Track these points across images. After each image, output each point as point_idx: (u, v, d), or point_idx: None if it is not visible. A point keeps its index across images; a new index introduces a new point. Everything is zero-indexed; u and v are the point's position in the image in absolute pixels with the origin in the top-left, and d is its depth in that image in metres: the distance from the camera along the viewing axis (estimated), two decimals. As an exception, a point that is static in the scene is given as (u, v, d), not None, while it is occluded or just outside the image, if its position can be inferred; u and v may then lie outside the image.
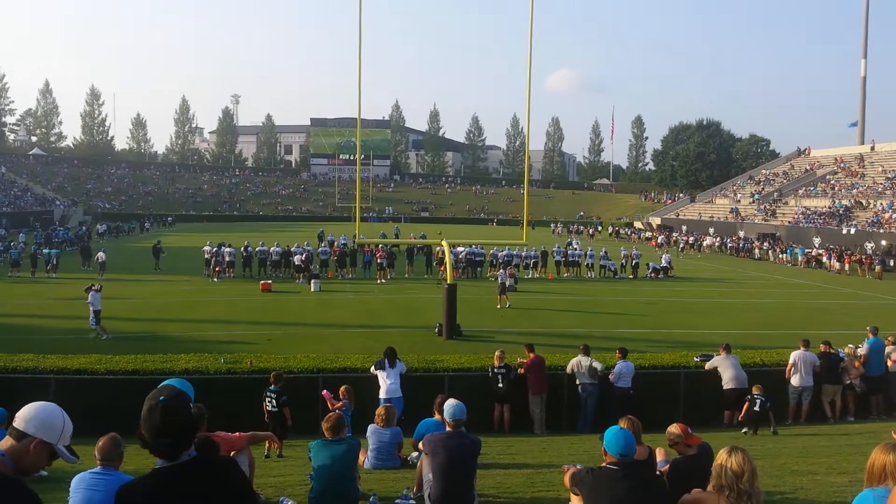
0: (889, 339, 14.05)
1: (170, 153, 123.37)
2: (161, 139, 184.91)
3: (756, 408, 11.64)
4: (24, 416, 2.73)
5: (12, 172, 79.34)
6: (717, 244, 57.26)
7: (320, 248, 36.04)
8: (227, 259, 32.19)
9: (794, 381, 13.02)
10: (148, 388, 2.91)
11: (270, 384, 10.49)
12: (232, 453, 6.20)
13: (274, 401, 10.25)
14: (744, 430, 11.84)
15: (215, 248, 32.55)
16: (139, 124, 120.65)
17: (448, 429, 5.99)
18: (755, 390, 11.89)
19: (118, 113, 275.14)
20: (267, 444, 9.09)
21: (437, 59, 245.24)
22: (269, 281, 29.18)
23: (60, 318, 21.67)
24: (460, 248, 34.43)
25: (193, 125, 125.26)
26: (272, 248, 33.46)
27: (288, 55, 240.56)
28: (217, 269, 31.47)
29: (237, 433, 6.32)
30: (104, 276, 30.36)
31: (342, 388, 10.34)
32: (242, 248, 33.24)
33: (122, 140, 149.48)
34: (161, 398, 2.76)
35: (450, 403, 6.02)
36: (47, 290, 27.74)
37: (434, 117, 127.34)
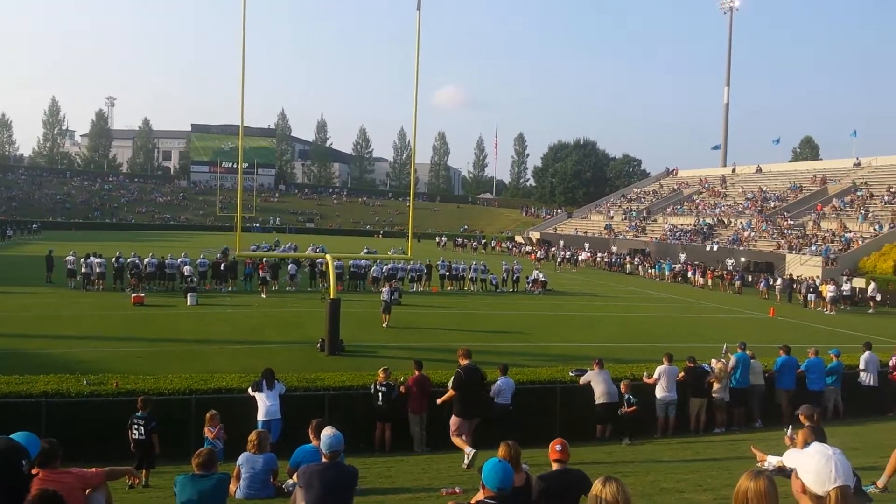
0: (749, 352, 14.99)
1: (37, 156, 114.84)
2: (28, 141, 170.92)
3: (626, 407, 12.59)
4: None
5: None
6: (591, 259, 59.57)
7: (199, 260, 34.43)
8: (97, 270, 30.27)
9: (659, 394, 13.67)
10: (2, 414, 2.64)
11: (137, 410, 9.90)
12: (87, 491, 5.77)
13: (141, 428, 9.67)
14: (624, 441, 12.38)
15: (83, 259, 30.55)
16: (4, 125, 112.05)
17: (324, 459, 5.84)
18: (623, 389, 12.89)
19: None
20: (128, 479, 8.55)
21: (326, 70, 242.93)
22: (142, 294, 27.69)
23: None
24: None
25: (64, 127, 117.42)
26: (146, 260, 31.72)
27: (168, 58, 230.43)
28: (96, 280, 29.55)
29: (94, 469, 5.88)
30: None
31: (209, 414, 9.92)
32: (114, 259, 31.37)
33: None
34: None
35: (326, 434, 5.85)
36: None
37: (321, 128, 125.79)
